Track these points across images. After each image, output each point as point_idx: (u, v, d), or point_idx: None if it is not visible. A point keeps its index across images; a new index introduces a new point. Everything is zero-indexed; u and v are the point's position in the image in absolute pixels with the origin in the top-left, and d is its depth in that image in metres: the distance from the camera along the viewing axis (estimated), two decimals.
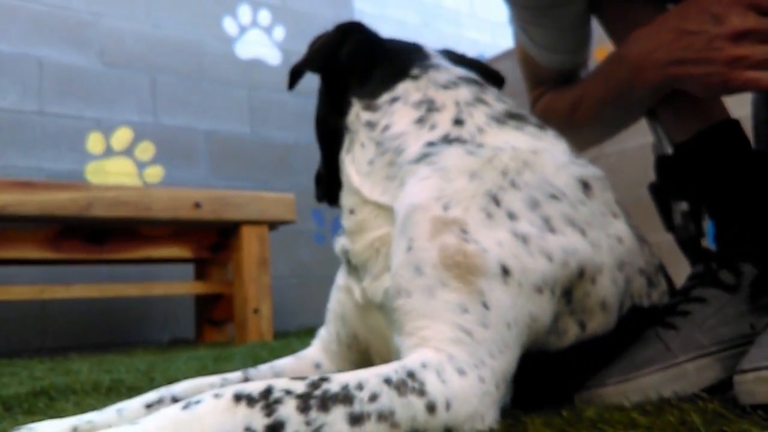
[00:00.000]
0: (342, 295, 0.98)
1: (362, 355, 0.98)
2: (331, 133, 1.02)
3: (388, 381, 0.63)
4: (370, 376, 0.63)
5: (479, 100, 0.94)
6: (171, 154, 3.29)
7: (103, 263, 2.71)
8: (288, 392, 0.59)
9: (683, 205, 1.05)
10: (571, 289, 0.82)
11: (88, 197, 2.37)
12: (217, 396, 0.58)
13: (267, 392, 0.58)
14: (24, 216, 2.27)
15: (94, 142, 3.11)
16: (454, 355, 0.68)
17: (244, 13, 3.62)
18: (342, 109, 0.99)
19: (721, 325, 0.91)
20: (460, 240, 0.74)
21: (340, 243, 0.96)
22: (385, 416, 0.60)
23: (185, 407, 0.57)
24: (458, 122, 0.90)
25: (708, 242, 1.06)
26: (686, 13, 0.94)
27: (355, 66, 1.00)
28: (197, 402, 0.57)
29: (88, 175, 3.06)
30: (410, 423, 0.62)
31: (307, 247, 3.47)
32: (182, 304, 3.08)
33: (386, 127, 0.93)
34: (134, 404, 0.83)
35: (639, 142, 2.53)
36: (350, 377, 0.62)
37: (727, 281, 0.95)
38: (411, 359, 0.67)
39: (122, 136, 3.18)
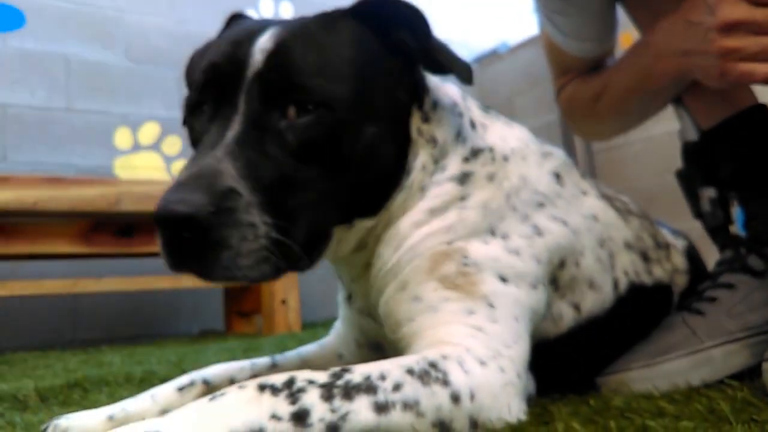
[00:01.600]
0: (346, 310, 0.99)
1: (380, 353, 0.97)
2: None
3: (410, 371, 0.64)
4: (393, 367, 0.64)
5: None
6: None
7: (133, 257, 2.75)
8: (311, 382, 0.60)
9: (711, 192, 1.04)
10: (556, 277, 0.87)
11: (117, 192, 2.40)
12: (241, 387, 0.59)
13: (290, 382, 0.59)
14: (55, 211, 2.31)
15: (122, 138, 3.15)
16: (472, 347, 0.70)
17: (266, 5, 3.63)
18: None
19: (748, 311, 0.91)
20: (461, 265, 0.79)
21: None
22: (410, 405, 0.61)
23: (212, 399, 0.58)
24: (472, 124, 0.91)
25: (737, 228, 1.05)
26: (693, 3, 0.93)
27: None
28: (222, 394, 0.58)
29: (116, 170, 3.10)
30: (436, 413, 0.62)
31: None
32: (211, 296, 3.11)
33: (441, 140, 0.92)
34: (167, 389, 0.85)
35: (665, 128, 2.50)
36: (372, 368, 0.63)
37: (756, 267, 0.94)
38: (431, 351, 0.69)
39: (149, 131, 3.22)
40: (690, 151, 1.07)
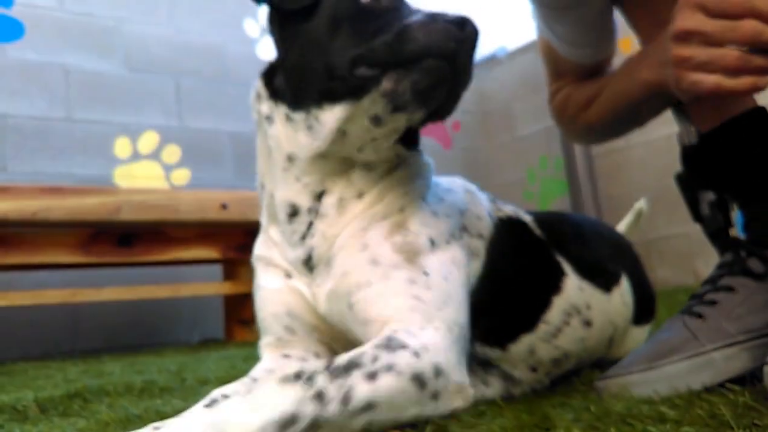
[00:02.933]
0: (286, 296, 0.97)
1: (325, 345, 0.99)
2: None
3: (378, 347, 0.76)
4: (364, 349, 0.76)
5: None
6: (197, 156, 3.32)
7: (133, 266, 2.75)
8: (314, 372, 0.71)
9: (710, 195, 1.04)
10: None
11: (117, 201, 2.41)
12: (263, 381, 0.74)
13: (300, 373, 0.70)
14: (54, 221, 2.32)
15: (122, 147, 3.15)
16: (413, 320, 0.83)
17: (265, 14, 3.64)
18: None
19: (749, 314, 0.90)
20: (404, 236, 0.91)
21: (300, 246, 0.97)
22: (390, 368, 0.74)
23: (245, 395, 0.70)
24: None
25: (738, 231, 1.04)
26: (673, 15, 0.93)
27: None
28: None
29: (116, 180, 3.10)
30: (408, 369, 0.75)
31: None
32: (211, 304, 3.11)
33: None
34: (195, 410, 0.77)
35: (666, 132, 2.50)
36: (348, 355, 0.75)
37: (756, 270, 0.94)
38: (383, 333, 0.81)
39: (149, 140, 3.22)
40: (689, 154, 1.07)
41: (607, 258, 1.22)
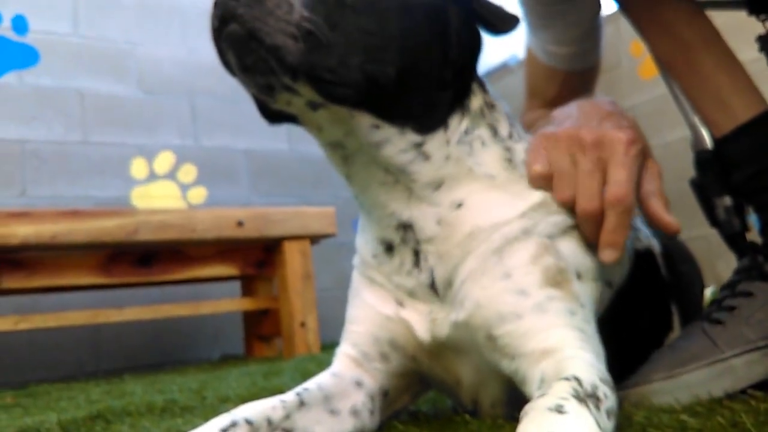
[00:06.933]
0: (396, 326, 0.89)
1: (419, 378, 0.93)
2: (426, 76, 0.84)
3: (573, 389, 0.66)
4: (562, 392, 0.65)
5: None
6: (213, 174, 3.35)
7: (153, 285, 2.77)
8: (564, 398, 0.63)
9: (726, 200, 1.03)
10: None
11: (135, 222, 2.43)
12: (560, 411, 0.61)
13: (562, 402, 0.62)
14: (74, 244, 2.34)
15: (138, 168, 3.19)
16: (586, 357, 0.74)
17: None
18: (450, 82, 0.85)
19: None
20: (557, 259, 0.81)
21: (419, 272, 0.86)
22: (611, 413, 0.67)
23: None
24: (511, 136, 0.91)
25: (756, 235, 1.03)
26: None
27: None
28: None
29: (133, 200, 3.13)
30: (603, 407, 0.66)
31: (348, 259, 3.47)
32: (231, 320, 3.12)
33: (501, 135, 0.89)
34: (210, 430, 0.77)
35: (681, 134, 2.48)
36: (559, 394, 0.65)
37: None
38: (564, 369, 0.71)
39: (165, 161, 3.25)
40: (703, 159, 1.06)
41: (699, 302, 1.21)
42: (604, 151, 0.85)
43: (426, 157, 0.82)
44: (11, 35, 2.98)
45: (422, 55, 0.81)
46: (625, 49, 2.96)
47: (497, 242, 0.82)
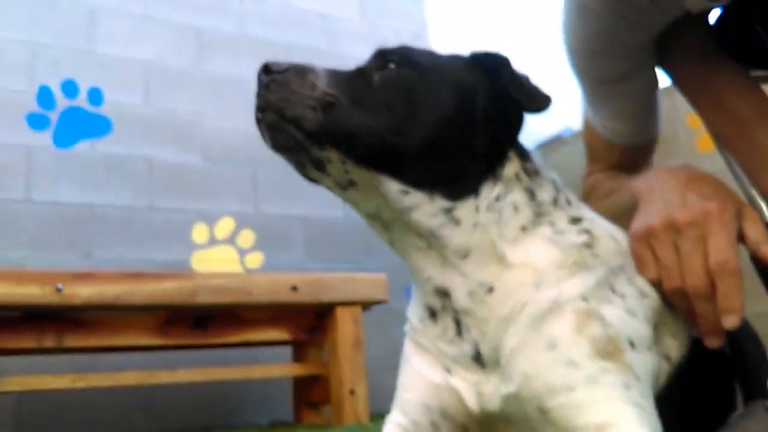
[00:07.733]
0: (445, 394, 0.88)
1: None
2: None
3: None
4: None
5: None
6: (270, 240, 3.42)
7: (207, 348, 2.80)
8: None
9: None
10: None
11: (193, 285, 2.49)
12: None
13: None
14: (134, 305, 2.40)
15: (199, 233, 3.29)
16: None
17: None
18: (483, 152, 0.87)
19: None
20: (605, 327, 0.79)
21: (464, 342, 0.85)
22: None
23: None
24: (568, 201, 0.91)
25: None
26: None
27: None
28: None
29: (193, 264, 3.21)
30: None
31: (400, 326, 3.45)
32: (280, 386, 3.12)
33: (541, 199, 0.89)
34: None
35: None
36: None
37: None
38: None
39: (225, 226, 3.35)
40: None
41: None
42: (700, 227, 0.85)
43: (456, 222, 0.83)
44: (86, 106, 3.17)
45: (446, 130, 0.84)
46: (681, 121, 2.94)
47: (536, 309, 0.80)
